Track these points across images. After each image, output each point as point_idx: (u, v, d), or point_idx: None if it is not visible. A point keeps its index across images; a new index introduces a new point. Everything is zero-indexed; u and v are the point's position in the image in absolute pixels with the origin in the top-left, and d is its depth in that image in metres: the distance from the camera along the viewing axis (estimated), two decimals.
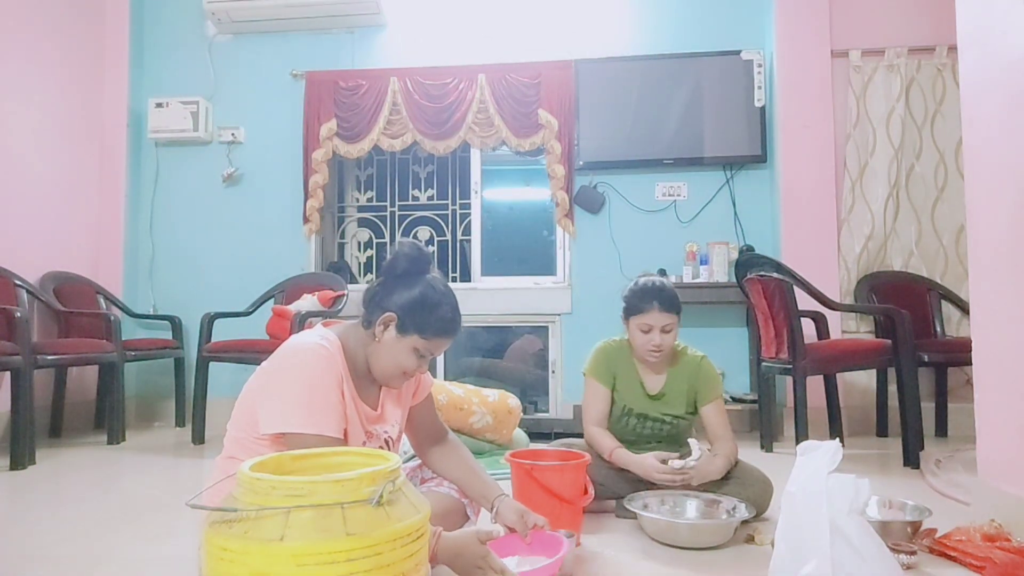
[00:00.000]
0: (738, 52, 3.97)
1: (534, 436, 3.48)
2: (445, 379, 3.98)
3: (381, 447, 1.49)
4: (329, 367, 1.37)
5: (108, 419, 3.60)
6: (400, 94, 4.17)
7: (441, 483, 1.67)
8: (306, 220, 4.22)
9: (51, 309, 3.65)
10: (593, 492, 1.85)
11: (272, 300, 4.05)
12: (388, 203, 4.51)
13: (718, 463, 2.03)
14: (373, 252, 4.53)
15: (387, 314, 1.43)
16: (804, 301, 3.11)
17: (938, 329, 3.63)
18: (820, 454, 1.38)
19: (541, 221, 4.49)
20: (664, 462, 2.01)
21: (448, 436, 1.70)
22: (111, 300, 4.12)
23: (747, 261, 3.31)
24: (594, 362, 2.23)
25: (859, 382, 3.71)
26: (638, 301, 2.12)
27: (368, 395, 1.50)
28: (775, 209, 3.92)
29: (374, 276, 4.46)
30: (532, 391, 4.26)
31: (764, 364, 3.24)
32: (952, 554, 1.68)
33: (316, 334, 1.45)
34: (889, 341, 2.99)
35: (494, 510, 1.56)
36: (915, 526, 1.79)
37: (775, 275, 3.09)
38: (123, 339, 3.66)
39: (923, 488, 2.46)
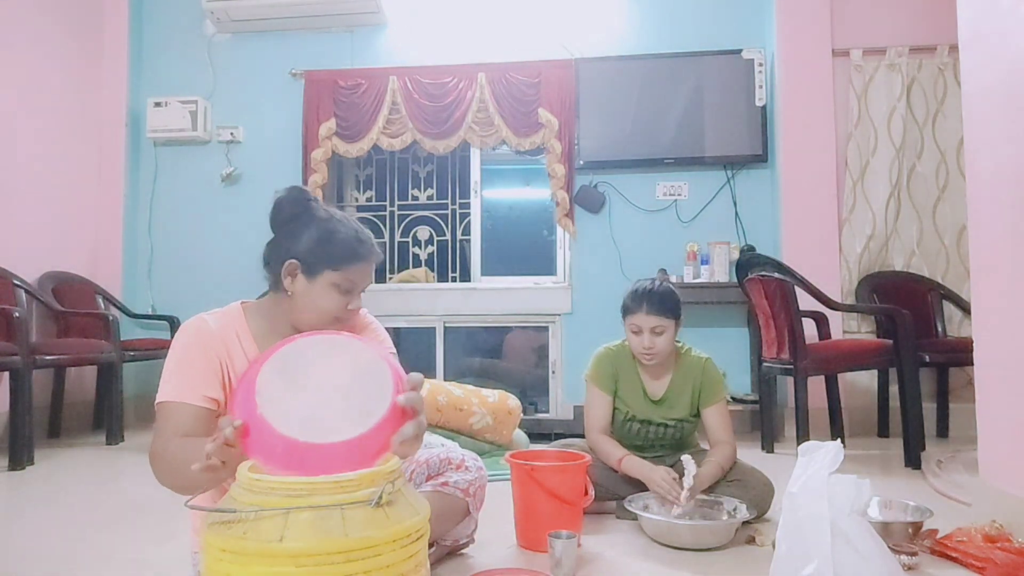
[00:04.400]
0: (739, 51, 3.96)
1: (534, 437, 3.48)
2: (445, 379, 3.98)
3: None
4: (194, 337, 1.33)
5: (107, 419, 3.59)
6: (400, 93, 4.16)
7: (445, 483, 1.65)
8: None
9: (50, 309, 3.64)
10: (593, 493, 1.85)
11: None
12: (387, 203, 4.50)
13: (707, 471, 1.98)
14: None
15: (288, 263, 1.35)
16: (805, 301, 3.10)
17: (939, 329, 3.62)
18: (821, 455, 1.38)
19: (541, 221, 4.49)
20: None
21: None
22: (110, 300, 4.11)
23: (748, 261, 3.30)
24: (595, 368, 2.22)
25: (860, 382, 3.71)
26: (630, 302, 2.15)
27: None
28: (776, 209, 3.91)
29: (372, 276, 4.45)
30: (532, 392, 4.26)
31: (765, 364, 3.24)
32: (953, 555, 1.68)
33: (209, 312, 1.41)
34: (890, 341, 2.99)
35: None
36: (916, 527, 1.79)
37: (776, 275, 3.08)
38: (122, 339, 3.66)
39: (924, 489, 2.45)
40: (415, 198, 4.50)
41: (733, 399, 3.74)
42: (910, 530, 1.77)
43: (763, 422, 3.34)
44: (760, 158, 3.94)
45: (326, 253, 1.35)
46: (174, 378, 1.31)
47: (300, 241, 1.36)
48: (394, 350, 1.58)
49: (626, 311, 2.16)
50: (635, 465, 2.04)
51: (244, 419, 0.98)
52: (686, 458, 1.95)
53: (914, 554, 1.64)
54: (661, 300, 2.11)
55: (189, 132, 4.25)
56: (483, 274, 4.35)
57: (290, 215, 1.40)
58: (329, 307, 1.37)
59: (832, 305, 3.21)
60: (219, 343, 1.34)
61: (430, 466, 1.70)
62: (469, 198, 4.38)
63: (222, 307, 1.43)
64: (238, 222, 4.31)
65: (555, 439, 2.92)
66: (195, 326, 1.35)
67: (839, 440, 1.39)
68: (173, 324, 4.13)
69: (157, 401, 1.30)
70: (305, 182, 4.19)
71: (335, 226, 1.38)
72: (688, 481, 1.91)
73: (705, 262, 3.86)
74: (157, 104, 4.27)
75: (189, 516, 1.45)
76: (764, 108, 3.92)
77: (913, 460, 2.81)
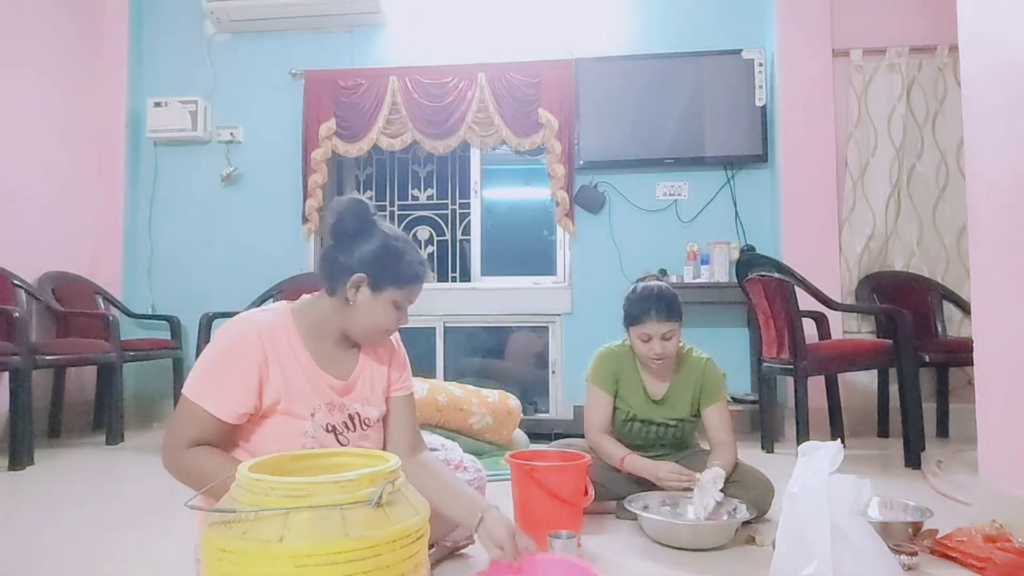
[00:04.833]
0: (739, 51, 3.96)
1: (534, 437, 3.48)
2: (445, 379, 3.98)
3: (345, 421, 1.44)
4: (241, 342, 1.33)
5: (107, 419, 3.59)
6: (399, 93, 4.16)
7: None
8: (305, 220, 4.21)
9: (50, 309, 3.64)
10: (593, 493, 1.84)
11: (271, 300, 4.03)
12: (387, 203, 4.50)
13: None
14: None
15: (356, 275, 1.39)
16: (805, 301, 3.10)
17: (939, 329, 3.62)
18: (821, 455, 1.38)
19: (541, 221, 4.49)
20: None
21: (426, 450, 1.59)
22: (110, 300, 4.11)
23: (748, 261, 3.30)
24: (596, 368, 2.21)
25: (860, 382, 3.71)
26: (635, 311, 2.10)
27: (337, 365, 1.45)
28: (776, 209, 3.91)
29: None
30: (532, 392, 4.26)
31: (765, 364, 3.24)
32: (953, 555, 1.68)
33: (258, 309, 1.44)
34: (890, 341, 2.99)
35: (480, 521, 1.36)
36: (916, 527, 1.79)
37: (776, 275, 3.08)
38: (121, 339, 3.66)
39: (924, 489, 2.45)
40: (415, 198, 4.50)
41: (733, 399, 3.72)
42: (910, 530, 1.77)
43: (763, 422, 3.34)
44: (760, 158, 3.94)
45: (393, 273, 1.41)
46: (210, 379, 1.32)
47: (367, 256, 1.40)
48: (407, 363, 1.62)
49: (633, 320, 2.11)
50: (638, 463, 2.04)
51: None
52: (716, 471, 1.92)
53: (914, 554, 1.64)
54: (668, 305, 2.08)
55: (189, 132, 4.25)
56: (483, 274, 4.35)
57: (356, 228, 1.42)
58: (386, 321, 1.44)
59: (832, 305, 3.21)
60: (266, 344, 1.35)
61: None
62: (469, 198, 4.38)
63: (265, 307, 1.46)
64: (238, 222, 4.32)
65: (555, 439, 2.92)
66: (244, 328, 1.36)
67: (839, 440, 1.39)
68: (173, 324, 4.13)
69: (185, 391, 1.32)
70: (305, 182, 4.19)
71: (402, 246, 1.44)
72: (715, 495, 1.87)
73: (705, 262, 3.86)
74: (157, 104, 4.27)
75: (194, 513, 1.45)
76: (764, 108, 3.92)
77: (913, 460, 2.81)
